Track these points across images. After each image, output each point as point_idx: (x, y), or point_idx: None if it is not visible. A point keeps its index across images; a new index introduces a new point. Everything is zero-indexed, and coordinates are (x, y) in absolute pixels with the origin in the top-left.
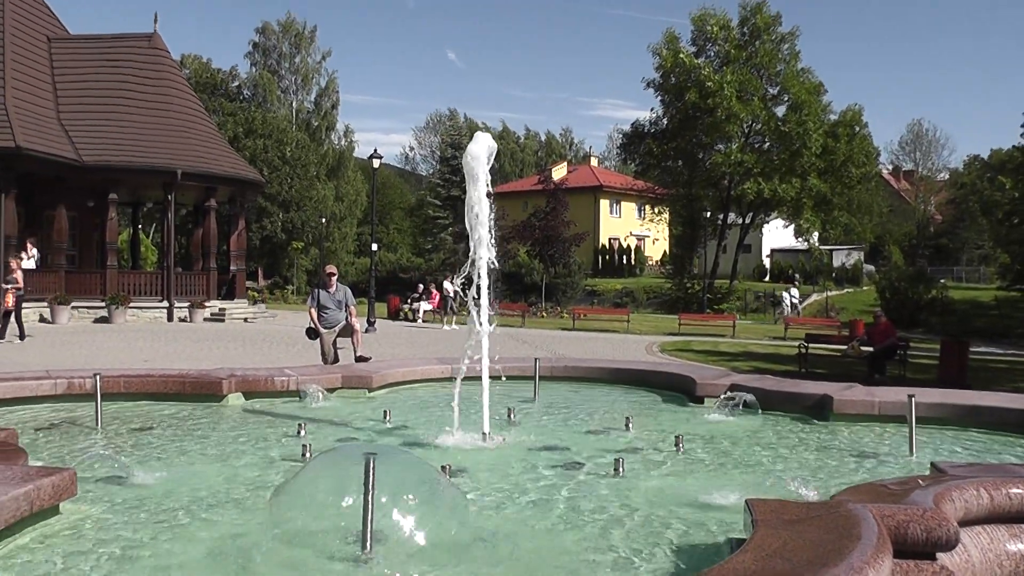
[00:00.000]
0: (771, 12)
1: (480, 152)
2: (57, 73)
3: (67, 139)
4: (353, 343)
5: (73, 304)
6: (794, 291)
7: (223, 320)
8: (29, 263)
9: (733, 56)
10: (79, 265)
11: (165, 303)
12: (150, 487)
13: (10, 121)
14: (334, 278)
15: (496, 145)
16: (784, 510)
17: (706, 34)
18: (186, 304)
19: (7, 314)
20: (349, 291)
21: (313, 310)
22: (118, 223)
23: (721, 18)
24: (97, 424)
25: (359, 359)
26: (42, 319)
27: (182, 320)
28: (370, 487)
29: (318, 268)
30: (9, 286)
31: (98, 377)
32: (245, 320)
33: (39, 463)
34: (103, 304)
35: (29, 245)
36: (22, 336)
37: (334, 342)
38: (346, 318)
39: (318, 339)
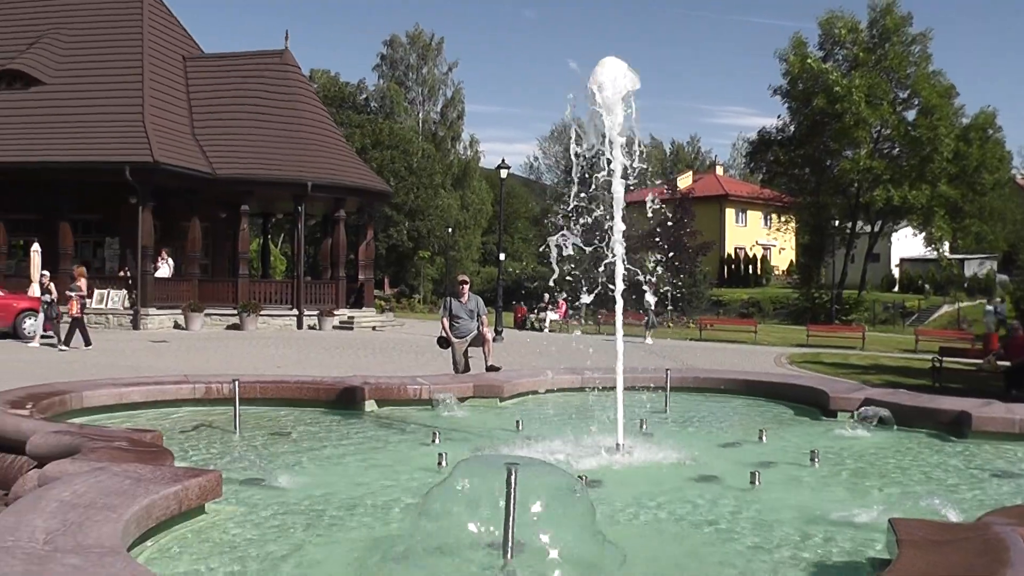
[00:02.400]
0: (901, 13)
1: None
2: (192, 90)
3: (201, 153)
4: (484, 352)
5: (206, 311)
6: (999, 302)
7: (351, 328)
8: (163, 271)
9: (862, 59)
10: (212, 274)
11: (295, 311)
12: (290, 491)
13: (148, 137)
14: (466, 287)
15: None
16: (929, 530)
17: (834, 37)
18: (315, 312)
19: (75, 321)
20: (481, 300)
21: (445, 319)
22: (249, 233)
23: (849, 20)
24: (236, 428)
25: (490, 368)
26: (176, 326)
27: (311, 328)
28: (512, 497)
29: (444, 277)
30: (73, 293)
31: (236, 383)
32: (373, 328)
33: (184, 464)
34: (235, 312)
35: (164, 254)
36: (87, 342)
37: (465, 352)
38: (478, 327)
39: (449, 348)
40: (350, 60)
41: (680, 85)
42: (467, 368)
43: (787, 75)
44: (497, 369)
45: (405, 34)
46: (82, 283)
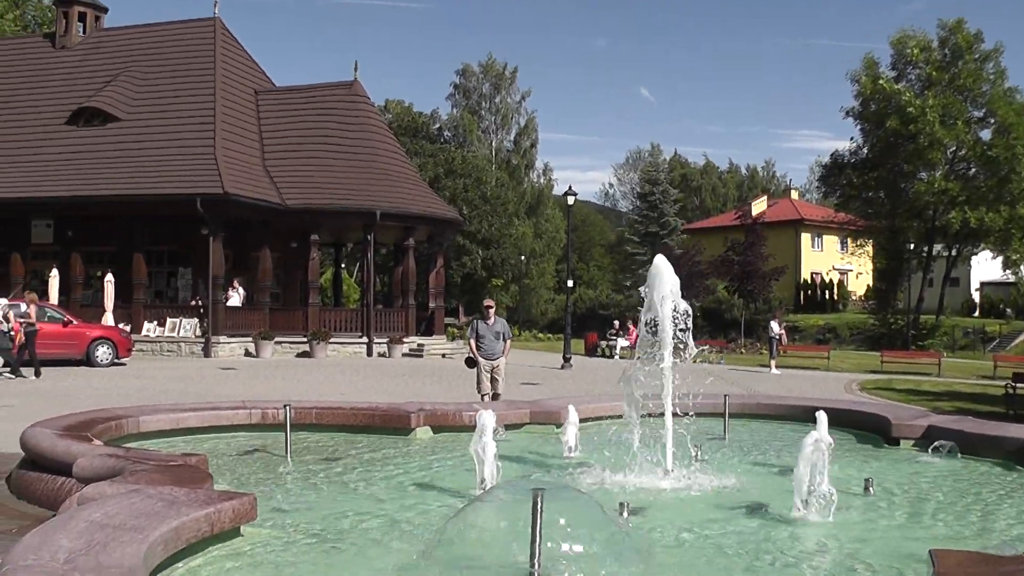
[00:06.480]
0: (971, 30)
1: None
2: (263, 123)
3: (272, 184)
4: (494, 376)
5: (276, 339)
6: None
7: (421, 356)
8: (235, 300)
9: (935, 79)
10: (283, 303)
11: (365, 339)
12: (331, 515)
13: (219, 170)
14: (491, 311)
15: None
16: (970, 563)
17: (906, 57)
18: (385, 340)
19: (21, 349)
20: (506, 323)
21: (472, 340)
22: (320, 263)
23: (921, 39)
24: (287, 453)
25: (494, 396)
26: (247, 353)
27: (381, 355)
28: (538, 523)
29: (519, 305)
30: (21, 320)
31: (288, 408)
32: (443, 356)
33: (225, 487)
34: (305, 339)
35: (236, 283)
36: (37, 373)
37: (491, 374)
38: (502, 350)
39: (476, 368)
40: (424, 90)
41: (750, 110)
42: (495, 392)
43: (859, 96)
44: (497, 397)
45: (478, 64)
46: (32, 310)
